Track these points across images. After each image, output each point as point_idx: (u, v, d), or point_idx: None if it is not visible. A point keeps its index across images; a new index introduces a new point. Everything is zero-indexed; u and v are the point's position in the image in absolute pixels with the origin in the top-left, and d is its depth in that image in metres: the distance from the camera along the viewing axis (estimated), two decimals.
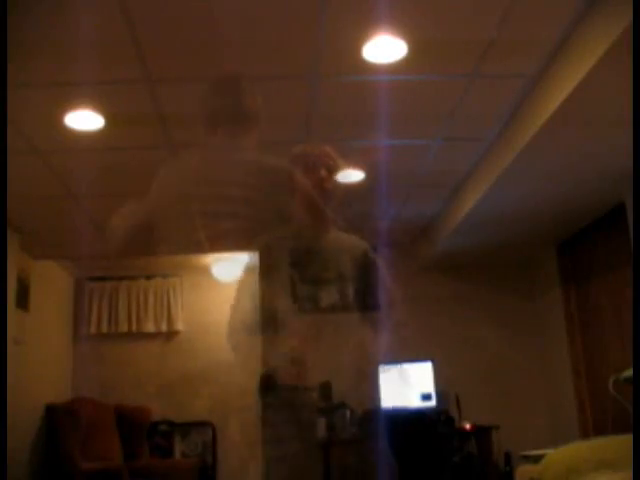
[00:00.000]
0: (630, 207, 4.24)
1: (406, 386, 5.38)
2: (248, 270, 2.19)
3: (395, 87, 3.22)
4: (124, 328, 6.33)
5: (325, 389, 1.97)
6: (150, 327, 6.37)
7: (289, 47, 2.92)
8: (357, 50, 2.91)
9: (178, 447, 6.11)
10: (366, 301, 2.09)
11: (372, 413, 2.03)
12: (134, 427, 5.89)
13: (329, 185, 2.14)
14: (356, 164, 4.10)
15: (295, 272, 2.07)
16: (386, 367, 5.19)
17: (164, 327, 6.38)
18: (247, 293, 2.15)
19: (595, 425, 5.02)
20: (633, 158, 2.45)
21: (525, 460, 4.02)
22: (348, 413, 1.94)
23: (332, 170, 2.16)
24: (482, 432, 5.16)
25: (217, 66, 3.04)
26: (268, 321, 2.08)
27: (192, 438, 6.12)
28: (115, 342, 6.33)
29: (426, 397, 5.38)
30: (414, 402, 5.34)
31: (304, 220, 2.19)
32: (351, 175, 4.22)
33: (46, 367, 5.72)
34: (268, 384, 2.04)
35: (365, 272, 2.12)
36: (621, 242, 4.42)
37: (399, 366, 5.42)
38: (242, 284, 2.20)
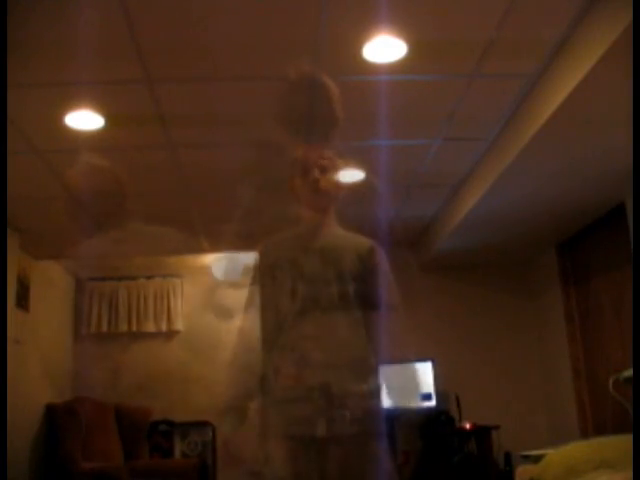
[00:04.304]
0: (630, 207, 4.24)
1: (406, 386, 5.37)
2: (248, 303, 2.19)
3: (395, 87, 3.22)
4: (124, 328, 6.34)
5: (325, 389, 1.97)
6: (150, 327, 6.37)
7: (289, 47, 2.92)
8: (357, 50, 2.91)
9: (178, 447, 6.11)
10: (367, 303, 2.09)
11: (372, 413, 2.02)
12: (134, 427, 5.89)
13: (323, 185, 2.13)
14: (356, 164, 4.10)
15: (296, 272, 2.07)
16: (386, 367, 5.19)
17: (164, 327, 6.39)
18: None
19: (595, 425, 5.02)
20: (633, 158, 2.46)
21: (525, 460, 4.02)
22: (348, 413, 1.93)
23: (327, 171, 2.15)
24: (482, 432, 5.16)
25: (217, 66, 3.04)
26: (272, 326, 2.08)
27: (192, 438, 6.12)
28: (115, 342, 6.33)
29: (426, 397, 5.38)
30: (415, 402, 5.34)
31: (303, 219, 2.19)
32: (351, 175, 4.21)
33: (46, 367, 5.72)
34: (268, 385, 2.04)
35: (367, 273, 2.11)
36: (621, 242, 4.42)
37: (399, 366, 5.41)
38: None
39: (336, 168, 2.19)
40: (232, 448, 2.06)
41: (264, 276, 2.14)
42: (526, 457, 4.00)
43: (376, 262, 2.13)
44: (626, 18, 2.43)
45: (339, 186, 2.19)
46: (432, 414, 5.33)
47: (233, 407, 2.07)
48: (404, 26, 2.77)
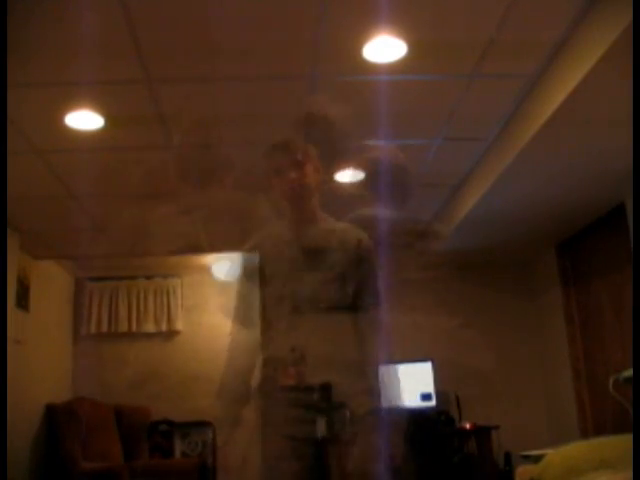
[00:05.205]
0: (630, 207, 4.24)
1: (406, 386, 5.38)
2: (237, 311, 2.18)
3: (395, 87, 3.22)
4: (124, 328, 6.34)
5: (325, 389, 1.97)
6: (150, 327, 6.37)
7: (289, 47, 2.92)
8: (357, 50, 2.91)
9: (178, 447, 6.11)
10: (361, 300, 2.08)
11: (372, 413, 2.02)
12: (134, 427, 5.89)
13: (297, 187, 2.10)
14: (356, 164, 4.09)
15: (294, 272, 2.07)
16: (386, 367, 5.19)
17: (164, 327, 6.39)
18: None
19: (595, 425, 5.02)
20: (633, 158, 2.45)
21: (525, 460, 4.02)
22: (348, 413, 1.94)
23: (300, 169, 2.11)
24: (482, 432, 5.17)
25: (217, 66, 3.04)
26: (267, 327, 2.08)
27: (192, 438, 6.12)
28: (115, 342, 6.33)
29: (426, 397, 5.39)
30: (414, 402, 5.34)
31: (289, 214, 2.17)
32: (351, 175, 4.21)
33: (46, 367, 5.72)
34: (268, 384, 2.04)
35: (359, 267, 2.10)
36: (621, 242, 4.42)
37: (399, 366, 5.41)
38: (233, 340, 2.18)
39: (310, 164, 2.14)
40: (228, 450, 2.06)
41: (262, 275, 2.13)
42: (526, 457, 4.00)
43: (362, 257, 2.11)
44: (626, 18, 2.43)
45: (315, 185, 2.15)
46: (432, 414, 5.33)
47: (228, 412, 2.07)
48: (404, 26, 2.77)
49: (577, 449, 3.26)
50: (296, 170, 2.10)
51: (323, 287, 2.04)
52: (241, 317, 2.14)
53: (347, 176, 4.17)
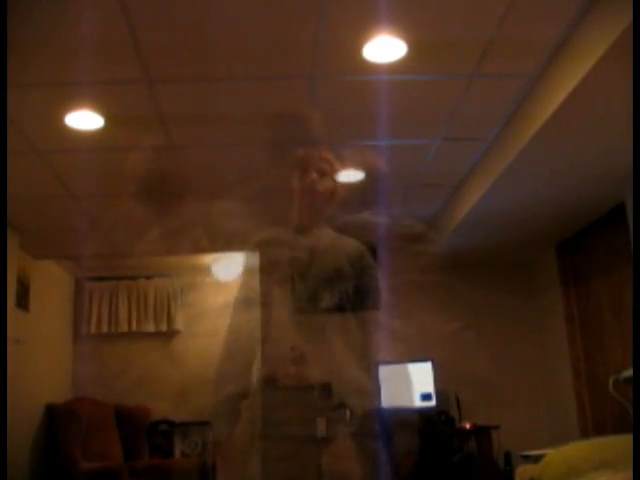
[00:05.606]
0: (630, 207, 4.24)
1: (406, 386, 5.38)
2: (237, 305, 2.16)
3: (395, 87, 3.22)
4: (124, 328, 6.34)
5: (325, 389, 1.97)
6: (150, 327, 6.38)
7: (289, 47, 2.92)
8: (357, 50, 2.91)
9: (178, 447, 6.11)
10: (363, 302, 2.09)
11: (372, 413, 2.02)
12: (134, 427, 5.90)
13: (320, 187, 2.12)
14: (355, 164, 4.09)
15: (295, 272, 2.07)
16: (386, 367, 5.19)
17: (164, 327, 6.39)
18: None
19: (595, 425, 5.02)
20: (633, 158, 2.45)
21: (525, 460, 4.02)
22: (348, 413, 1.94)
23: (325, 173, 2.14)
24: (482, 432, 5.17)
25: (217, 66, 3.05)
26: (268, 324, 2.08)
27: (192, 438, 6.13)
28: (115, 342, 6.34)
29: (426, 397, 5.38)
30: (414, 402, 5.34)
31: (295, 219, 2.18)
32: (350, 175, 4.21)
33: (46, 367, 5.72)
34: (268, 384, 2.04)
35: (362, 275, 2.11)
36: (621, 242, 4.42)
37: (399, 366, 5.42)
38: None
39: (335, 172, 2.19)
40: (227, 450, 2.05)
41: (263, 274, 2.13)
42: (526, 457, 4.01)
43: (365, 266, 2.13)
44: (626, 18, 2.43)
45: (336, 191, 2.18)
46: (432, 414, 5.33)
47: (226, 407, 2.07)
48: (404, 26, 2.77)
49: (577, 449, 3.26)
50: (322, 177, 2.12)
51: (328, 289, 2.04)
52: (242, 309, 2.15)
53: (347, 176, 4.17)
